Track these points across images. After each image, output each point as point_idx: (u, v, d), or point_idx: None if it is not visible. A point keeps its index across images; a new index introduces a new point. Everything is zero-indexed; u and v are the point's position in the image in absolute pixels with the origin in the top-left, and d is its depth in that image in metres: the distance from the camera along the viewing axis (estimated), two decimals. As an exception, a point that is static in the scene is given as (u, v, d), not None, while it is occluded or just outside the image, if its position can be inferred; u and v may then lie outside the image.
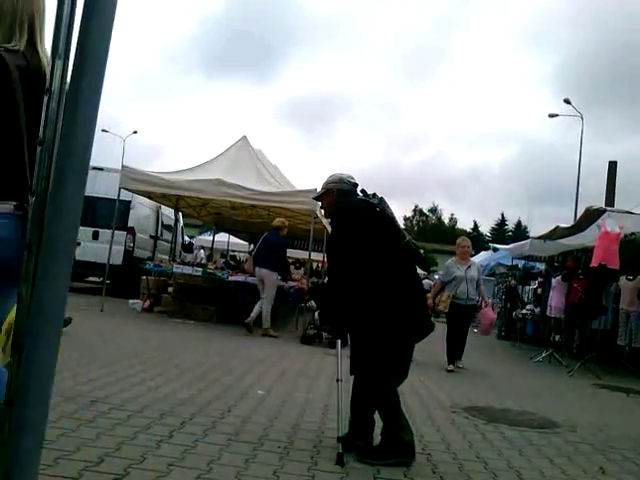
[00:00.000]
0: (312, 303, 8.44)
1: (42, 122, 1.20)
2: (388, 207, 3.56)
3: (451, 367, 7.57)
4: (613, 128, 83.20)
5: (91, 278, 14.21)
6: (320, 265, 17.27)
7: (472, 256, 9.91)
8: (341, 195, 3.67)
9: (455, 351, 7.75)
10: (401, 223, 3.79)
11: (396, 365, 3.41)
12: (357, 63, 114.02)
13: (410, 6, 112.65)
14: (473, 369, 7.80)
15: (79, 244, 11.75)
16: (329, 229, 12.61)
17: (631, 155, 72.85)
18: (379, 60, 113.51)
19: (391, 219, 3.53)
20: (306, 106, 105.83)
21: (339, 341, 3.62)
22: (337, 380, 3.45)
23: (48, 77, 1.20)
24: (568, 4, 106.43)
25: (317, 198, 3.93)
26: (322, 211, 4.25)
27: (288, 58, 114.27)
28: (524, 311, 13.01)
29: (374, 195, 3.60)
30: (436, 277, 8.63)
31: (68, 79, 1.18)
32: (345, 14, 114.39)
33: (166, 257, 14.16)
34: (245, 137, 11.61)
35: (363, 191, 3.65)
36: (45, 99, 1.19)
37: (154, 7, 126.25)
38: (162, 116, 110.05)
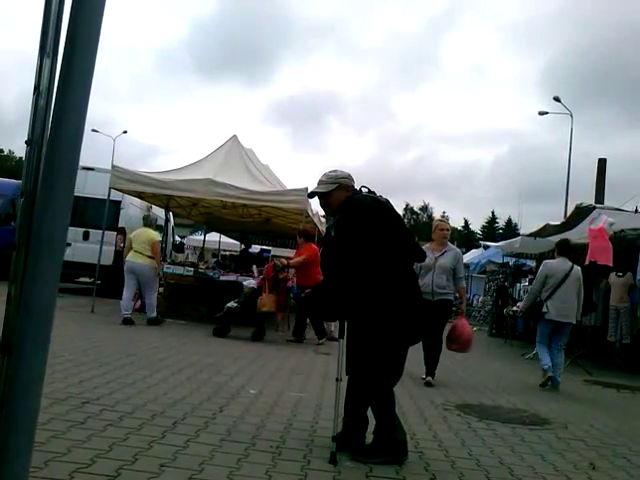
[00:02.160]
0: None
1: (30, 121, 1.19)
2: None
3: (430, 379, 6.16)
4: (602, 127, 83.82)
5: (82, 279, 14.13)
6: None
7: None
8: (348, 192, 3.54)
9: (429, 360, 6.21)
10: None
11: (393, 365, 3.41)
12: (349, 65, 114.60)
13: (402, 9, 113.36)
14: (465, 367, 7.81)
15: (69, 245, 11.70)
16: (321, 228, 12.63)
17: (620, 153, 73.41)
18: (371, 62, 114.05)
19: (401, 217, 3.49)
20: (298, 107, 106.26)
21: (341, 341, 3.60)
22: (337, 380, 3.41)
23: (36, 75, 1.19)
24: (557, 4, 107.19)
25: (324, 193, 3.55)
26: (321, 208, 3.84)
27: (280, 60, 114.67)
28: (515, 308, 13.06)
29: (374, 193, 3.54)
30: None
31: (57, 78, 1.17)
32: (336, 18, 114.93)
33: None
34: (235, 136, 11.57)
35: (367, 189, 3.57)
36: (33, 98, 1.18)
37: (147, 10, 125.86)
38: (154, 117, 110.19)
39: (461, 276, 6.42)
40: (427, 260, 5.80)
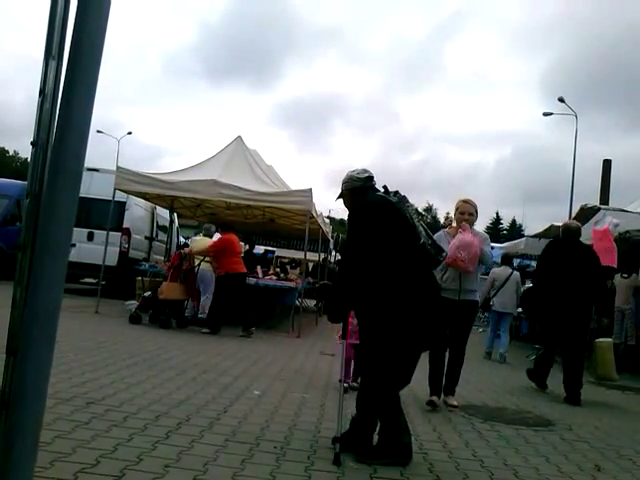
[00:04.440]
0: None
1: (36, 124, 1.20)
2: (409, 206, 3.46)
3: (435, 399, 4.94)
4: (605, 128, 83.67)
5: (86, 279, 14.16)
6: (318, 265, 17.21)
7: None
8: (354, 194, 3.60)
9: (440, 377, 5.04)
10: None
11: (400, 371, 3.39)
12: (354, 69, 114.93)
13: (407, 15, 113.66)
14: (469, 368, 7.78)
15: (74, 245, 11.73)
16: (325, 229, 12.63)
17: (624, 154, 73.21)
18: (376, 66, 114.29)
19: (409, 219, 3.40)
20: (303, 110, 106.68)
21: (344, 341, 3.58)
22: (339, 380, 3.40)
23: (41, 78, 1.20)
24: (557, 8, 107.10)
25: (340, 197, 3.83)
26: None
27: (286, 64, 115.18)
28: (519, 309, 13.00)
29: (396, 193, 3.51)
30: None
31: (62, 81, 1.18)
32: (343, 23, 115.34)
33: (161, 258, 14.12)
34: (240, 137, 11.58)
35: (385, 187, 3.56)
36: (39, 100, 1.19)
37: (155, 14, 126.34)
38: (160, 119, 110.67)
39: (488, 256, 5.24)
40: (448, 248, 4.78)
